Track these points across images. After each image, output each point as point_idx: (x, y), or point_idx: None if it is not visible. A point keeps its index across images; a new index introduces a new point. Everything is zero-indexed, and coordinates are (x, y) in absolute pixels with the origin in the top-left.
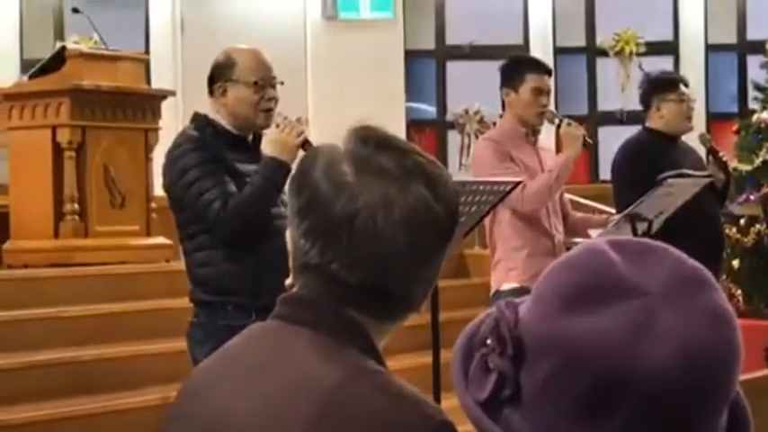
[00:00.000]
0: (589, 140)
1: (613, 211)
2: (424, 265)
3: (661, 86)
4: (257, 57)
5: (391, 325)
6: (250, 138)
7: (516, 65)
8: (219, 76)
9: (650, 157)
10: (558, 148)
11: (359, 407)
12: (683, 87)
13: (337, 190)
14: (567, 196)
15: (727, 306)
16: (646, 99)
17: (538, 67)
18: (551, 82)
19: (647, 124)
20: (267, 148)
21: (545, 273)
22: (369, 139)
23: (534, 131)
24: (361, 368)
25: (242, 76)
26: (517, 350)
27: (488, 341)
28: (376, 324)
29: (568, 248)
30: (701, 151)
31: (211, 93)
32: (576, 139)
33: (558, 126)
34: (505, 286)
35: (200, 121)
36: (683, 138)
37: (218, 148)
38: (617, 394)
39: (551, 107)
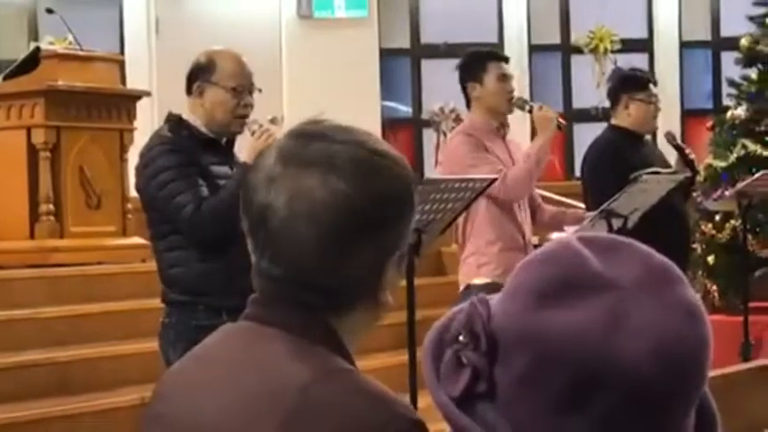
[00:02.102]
0: (563, 121)
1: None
2: (346, 257)
3: (631, 84)
4: (238, 62)
5: (355, 321)
6: (224, 140)
7: (476, 57)
8: (199, 76)
9: (621, 155)
10: (534, 134)
11: (329, 406)
12: (652, 87)
13: (258, 184)
14: (539, 192)
15: (698, 300)
16: (614, 95)
17: (496, 55)
18: (517, 74)
19: (614, 122)
20: (244, 154)
21: (517, 268)
22: (303, 133)
23: (504, 125)
24: (330, 367)
25: (221, 80)
26: (491, 345)
27: (461, 337)
28: (337, 320)
29: (540, 245)
30: (665, 149)
31: (189, 91)
32: (550, 122)
33: (530, 111)
34: (476, 281)
35: (174, 121)
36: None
37: (191, 150)
38: (592, 388)
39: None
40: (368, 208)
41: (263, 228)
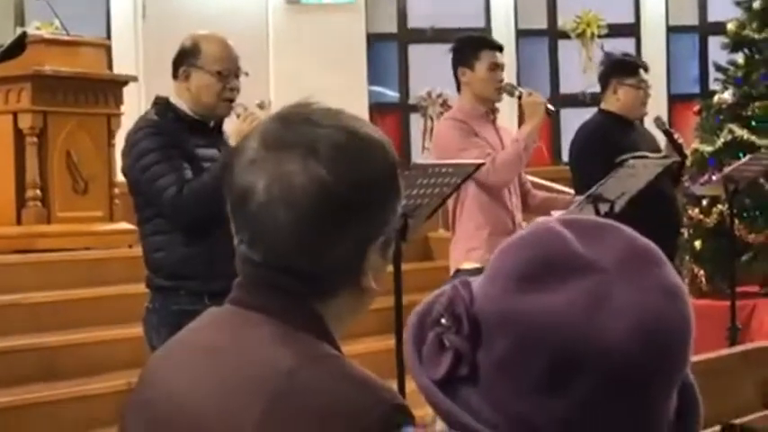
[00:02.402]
0: (551, 107)
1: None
2: (324, 242)
3: (621, 69)
4: (223, 46)
5: (340, 307)
6: (212, 123)
7: (469, 43)
8: (184, 60)
9: (609, 139)
10: (523, 120)
11: (313, 391)
12: (642, 73)
13: (240, 167)
14: (528, 177)
15: (680, 281)
16: (604, 80)
17: (491, 43)
18: (505, 59)
19: (603, 106)
20: (230, 137)
21: (498, 250)
22: (287, 116)
23: (493, 110)
24: (315, 353)
25: (206, 64)
26: (473, 328)
27: (443, 320)
28: (321, 305)
29: None
30: (656, 134)
31: (175, 76)
32: (539, 107)
33: (519, 97)
34: (466, 265)
35: (161, 105)
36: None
37: (177, 132)
38: (575, 370)
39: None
40: (347, 194)
41: (242, 211)
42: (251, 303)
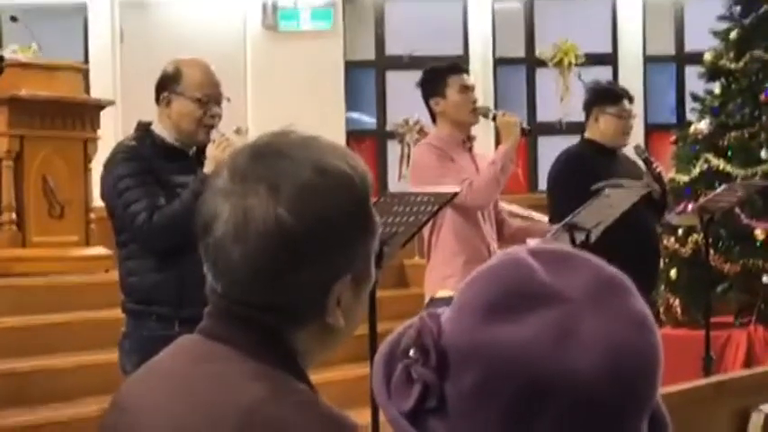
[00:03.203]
0: (527, 127)
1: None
2: (278, 279)
3: (603, 98)
4: (205, 72)
5: (306, 341)
6: (192, 151)
7: (436, 73)
8: (166, 86)
9: (587, 168)
10: (499, 143)
11: (275, 426)
12: (625, 102)
13: (207, 197)
14: (504, 205)
15: (648, 311)
16: (587, 108)
17: (456, 68)
18: (482, 87)
19: (586, 134)
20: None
21: (466, 282)
22: (257, 148)
23: (470, 137)
24: (278, 388)
25: (187, 91)
26: (441, 360)
27: (411, 352)
28: (290, 339)
29: None
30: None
31: (158, 101)
32: (514, 127)
33: (494, 118)
34: (441, 293)
35: (141, 130)
36: (624, 149)
37: (154, 158)
38: (543, 401)
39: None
40: (305, 232)
41: (205, 242)
42: (218, 335)
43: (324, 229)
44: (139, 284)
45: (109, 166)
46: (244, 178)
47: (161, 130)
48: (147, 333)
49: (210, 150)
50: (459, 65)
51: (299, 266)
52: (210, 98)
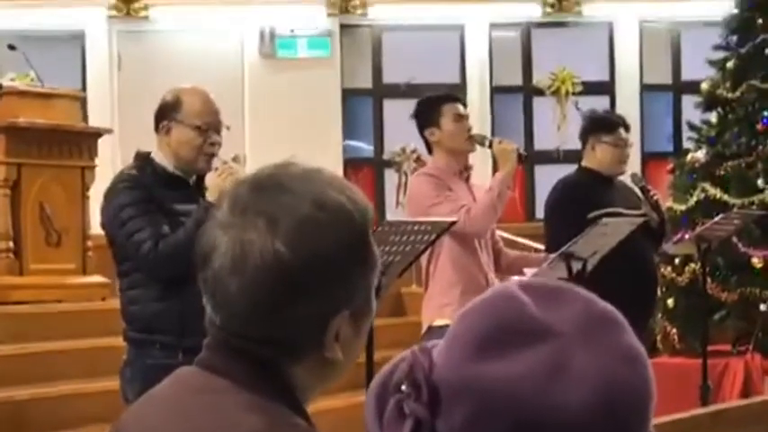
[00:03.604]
0: (524, 153)
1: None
2: (276, 313)
3: (599, 127)
4: (205, 100)
5: (304, 376)
6: (193, 179)
7: (430, 104)
8: (165, 114)
9: (585, 197)
10: (496, 171)
11: None
12: (621, 131)
13: (207, 229)
14: (500, 233)
15: (640, 346)
16: (584, 136)
17: (450, 97)
18: (480, 115)
19: (583, 163)
20: (208, 191)
21: (458, 316)
22: (257, 180)
23: (467, 167)
24: (274, 421)
25: (187, 119)
26: (432, 396)
27: (403, 387)
28: (287, 372)
29: None
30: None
31: (157, 129)
32: (510, 154)
33: (490, 146)
34: (438, 322)
35: (141, 159)
36: (621, 177)
37: (156, 187)
38: None
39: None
40: (302, 267)
41: (203, 274)
42: (216, 367)
43: (322, 263)
44: (142, 313)
45: (110, 195)
46: (243, 211)
47: (161, 158)
48: (150, 361)
49: (213, 178)
50: (452, 94)
51: (297, 301)
52: (210, 126)
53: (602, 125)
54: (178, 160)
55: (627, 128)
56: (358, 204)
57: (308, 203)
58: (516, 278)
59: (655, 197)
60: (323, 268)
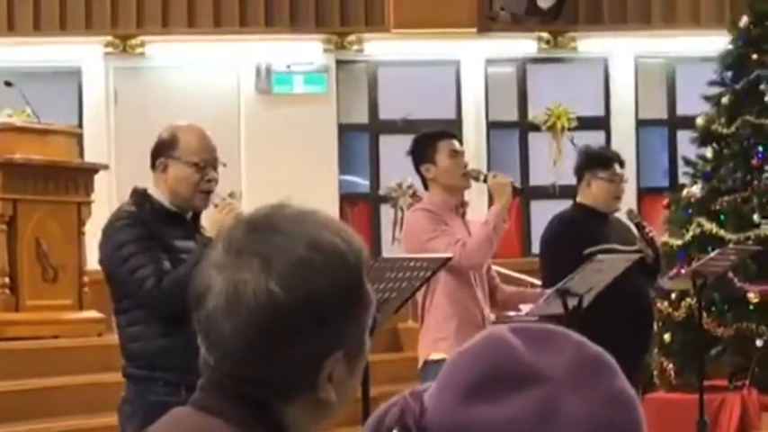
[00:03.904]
0: (518, 186)
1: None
2: (269, 354)
3: (595, 163)
4: (201, 137)
5: (297, 416)
6: (189, 215)
7: (425, 140)
8: (162, 152)
9: (580, 233)
10: (492, 203)
11: None
12: (616, 167)
13: (203, 268)
14: (496, 269)
15: (630, 389)
16: (579, 172)
17: (445, 133)
18: (475, 151)
19: (578, 199)
20: (207, 227)
21: (449, 361)
22: (252, 222)
23: (463, 203)
24: None
25: (184, 156)
26: None
27: (394, 431)
28: (281, 412)
29: (499, 322)
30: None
31: (153, 167)
32: (505, 187)
33: (485, 180)
34: (434, 356)
35: (138, 196)
36: (617, 213)
37: (155, 224)
38: None
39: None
40: (296, 308)
41: (197, 314)
42: (210, 407)
43: (316, 304)
44: (145, 350)
45: (110, 232)
46: (238, 252)
47: (158, 195)
48: (152, 398)
49: (214, 214)
50: (447, 130)
51: (291, 341)
52: (207, 163)
53: (598, 161)
54: (175, 197)
55: (622, 164)
56: (353, 246)
57: (303, 245)
58: (512, 313)
59: (650, 233)
60: (317, 309)
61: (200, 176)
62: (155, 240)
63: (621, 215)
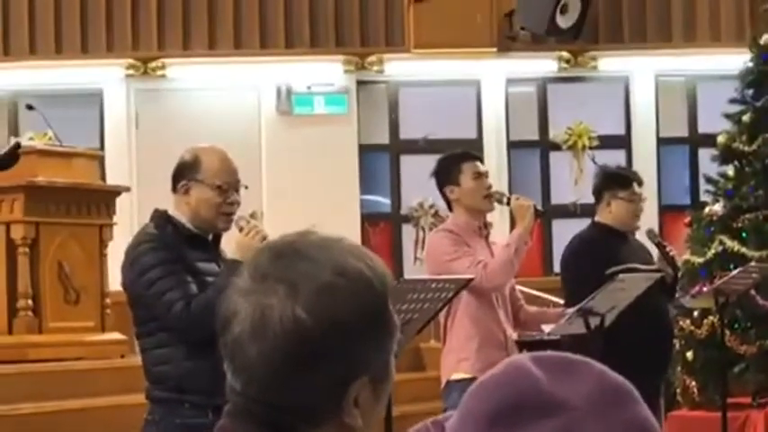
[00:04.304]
0: (541, 209)
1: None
2: (295, 379)
3: (614, 182)
4: (224, 159)
5: None
6: (210, 237)
7: (449, 162)
8: (184, 174)
9: (600, 253)
10: (514, 227)
11: None
12: (635, 186)
13: (229, 294)
14: (520, 288)
15: (652, 418)
16: (597, 192)
17: (469, 155)
18: (496, 170)
19: (597, 218)
20: (232, 250)
21: (471, 390)
22: (277, 248)
23: (486, 225)
24: None
25: (207, 178)
26: None
27: None
28: None
29: (521, 342)
30: (650, 246)
31: (175, 189)
32: (527, 209)
33: (508, 202)
34: (456, 376)
35: (160, 218)
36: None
37: (178, 246)
38: None
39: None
40: (322, 333)
41: (224, 339)
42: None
43: (341, 330)
44: (172, 373)
45: (134, 255)
46: (264, 278)
47: (179, 217)
48: (179, 420)
49: (240, 238)
50: (471, 152)
51: (316, 366)
52: (230, 186)
53: (617, 181)
54: (197, 219)
55: (640, 183)
56: (377, 271)
57: (329, 270)
58: (535, 333)
59: (671, 253)
60: (342, 334)
61: (223, 199)
62: (179, 263)
63: (640, 234)
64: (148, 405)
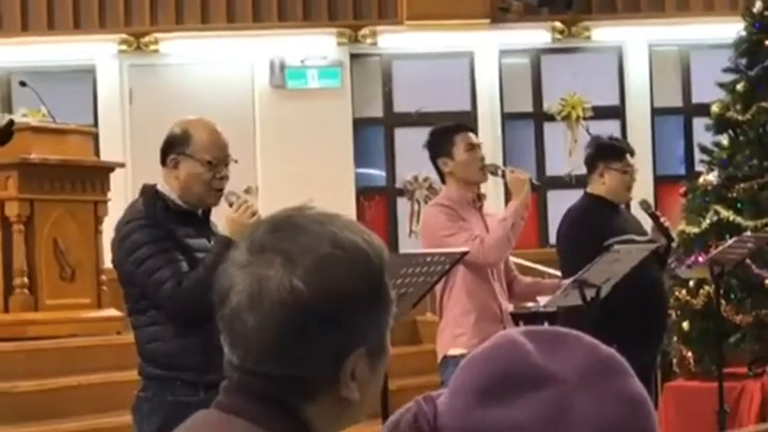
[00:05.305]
0: (536, 183)
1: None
2: (292, 350)
3: (607, 154)
4: (213, 134)
5: (321, 415)
6: (200, 212)
7: (442, 134)
8: (173, 148)
9: (594, 224)
10: (509, 200)
11: None
12: (628, 158)
13: (226, 268)
14: (514, 260)
15: (642, 391)
16: (590, 163)
17: (462, 127)
18: (491, 142)
19: (589, 189)
20: (223, 226)
21: (462, 364)
22: (275, 222)
23: (479, 197)
24: None
25: (196, 153)
26: None
27: None
28: (304, 411)
29: (517, 314)
30: (641, 217)
31: (164, 163)
32: (523, 183)
33: (503, 176)
34: (453, 351)
35: (149, 194)
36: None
37: (167, 222)
38: None
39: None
40: (319, 304)
41: (221, 313)
42: (233, 408)
43: (338, 301)
44: (163, 350)
45: (123, 232)
46: (261, 250)
47: (168, 192)
48: (171, 398)
49: (230, 214)
50: (464, 124)
51: (313, 337)
52: (220, 161)
53: (610, 152)
54: (187, 194)
55: (632, 154)
56: (374, 245)
57: (326, 243)
58: (531, 304)
59: (665, 223)
60: (339, 305)
61: (213, 174)
62: (169, 240)
63: (633, 206)
64: (141, 382)
